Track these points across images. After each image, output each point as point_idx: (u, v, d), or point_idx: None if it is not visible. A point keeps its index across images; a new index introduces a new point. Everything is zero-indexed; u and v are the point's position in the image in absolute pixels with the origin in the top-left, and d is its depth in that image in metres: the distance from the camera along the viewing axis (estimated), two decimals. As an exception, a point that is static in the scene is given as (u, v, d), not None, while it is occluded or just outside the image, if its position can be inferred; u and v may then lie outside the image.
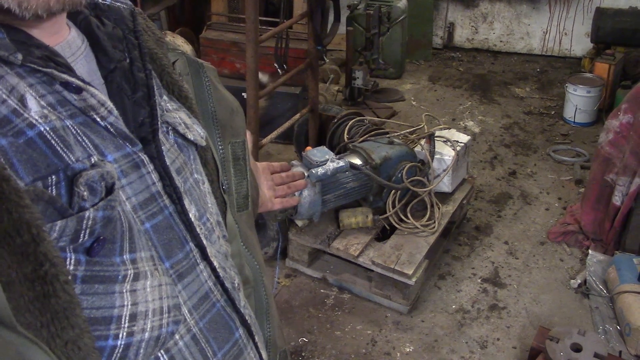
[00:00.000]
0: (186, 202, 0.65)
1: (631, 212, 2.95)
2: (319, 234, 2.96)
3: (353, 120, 3.36)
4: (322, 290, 2.97)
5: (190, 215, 0.65)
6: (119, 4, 0.67)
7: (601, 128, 3.21)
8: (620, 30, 4.87)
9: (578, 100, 4.45)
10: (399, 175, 2.92)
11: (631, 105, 2.94)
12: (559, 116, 4.68)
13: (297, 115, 3.62)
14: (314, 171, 2.57)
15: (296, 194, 2.68)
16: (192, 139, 0.70)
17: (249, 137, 1.24)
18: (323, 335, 2.70)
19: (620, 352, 2.42)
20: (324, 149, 2.71)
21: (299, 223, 2.98)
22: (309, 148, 2.85)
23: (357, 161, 2.87)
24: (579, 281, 2.97)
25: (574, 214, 3.32)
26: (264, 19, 4.52)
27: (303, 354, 2.60)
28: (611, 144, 3.01)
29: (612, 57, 4.58)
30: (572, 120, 4.54)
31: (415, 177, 2.95)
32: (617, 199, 2.98)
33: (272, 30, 3.42)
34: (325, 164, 2.59)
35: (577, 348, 2.21)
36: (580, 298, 2.90)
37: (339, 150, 3.22)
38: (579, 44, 5.67)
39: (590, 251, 3.10)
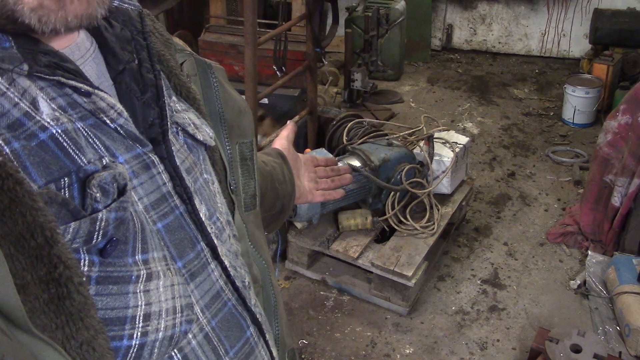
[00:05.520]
0: (196, 202, 0.65)
1: (630, 212, 2.96)
2: (318, 236, 2.96)
3: (352, 122, 3.37)
4: (321, 292, 2.97)
5: (201, 214, 0.65)
6: (127, 5, 0.67)
7: (600, 129, 3.22)
8: (619, 31, 4.88)
9: (577, 101, 4.45)
10: (398, 176, 2.92)
11: (629, 106, 2.94)
12: (558, 117, 4.69)
13: (296, 118, 3.62)
14: (313, 173, 2.57)
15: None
16: (201, 139, 0.70)
17: (290, 127, 1.24)
18: (323, 337, 2.70)
19: (620, 352, 2.42)
20: (322, 150, 2.71)
21: (298, 225, 2.98)
22: (307, 150, 2.85)
23: (356, 163, 2.87)
24: (579, 282, 2.97)
25: (573, 215, 3.33)
26: (263, 21, 4.52)
27: (303, 356, 2.60)
28: (610, 144, 3.02)
29: (610, 58, 4.59)
30: (571, 121, 4.54)
31: (415, 179, 2.95)
32: (616, 200, 2.98)
33: (271, 33, 3.43)
34: (324, 165, 2.59)
35: (576, 349, 2.21)
36: (580, 299, 2.90)
37: (338, 152, 3.22)
38: (577, 45, 5.68)
39: (589, 252, 3.10)
